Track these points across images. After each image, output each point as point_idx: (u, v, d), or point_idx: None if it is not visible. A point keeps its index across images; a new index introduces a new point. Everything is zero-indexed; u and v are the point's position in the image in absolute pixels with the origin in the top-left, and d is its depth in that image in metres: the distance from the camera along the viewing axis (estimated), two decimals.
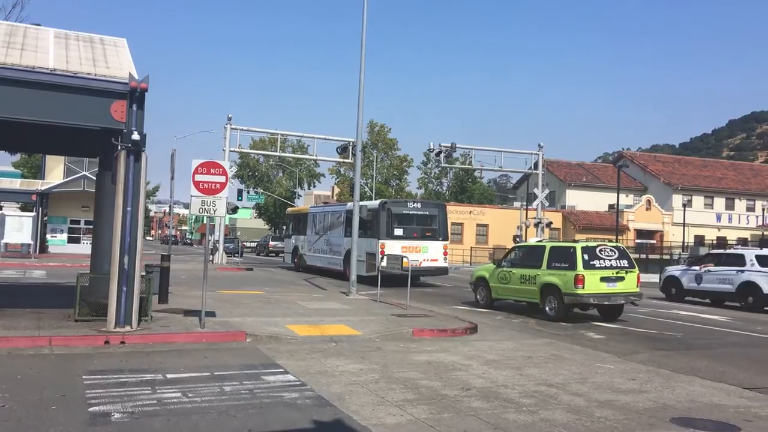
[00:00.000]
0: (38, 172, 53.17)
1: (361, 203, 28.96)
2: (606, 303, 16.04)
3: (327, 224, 30.51)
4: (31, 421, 6.27)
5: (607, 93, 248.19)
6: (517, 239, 39.49)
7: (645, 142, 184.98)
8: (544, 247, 17.09)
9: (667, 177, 60.86)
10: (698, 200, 60.05)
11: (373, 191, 62.43)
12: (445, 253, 26.23)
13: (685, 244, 48.73)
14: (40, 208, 40.44)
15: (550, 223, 43.43)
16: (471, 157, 41.75)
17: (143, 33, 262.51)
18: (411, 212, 26.73)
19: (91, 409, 6.73)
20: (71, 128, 11.39)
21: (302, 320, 13.53)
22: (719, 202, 61.43)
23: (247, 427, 6.39)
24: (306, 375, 8.74)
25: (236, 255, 43.91)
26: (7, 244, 35.60)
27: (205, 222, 13.51)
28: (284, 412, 6.97)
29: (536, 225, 40.39)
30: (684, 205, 50.98)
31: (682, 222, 50.29)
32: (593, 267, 15.60)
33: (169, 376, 8.45)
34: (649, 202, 57.86)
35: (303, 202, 75.70)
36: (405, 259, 17.44)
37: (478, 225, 52.99)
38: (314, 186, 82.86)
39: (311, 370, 9.05)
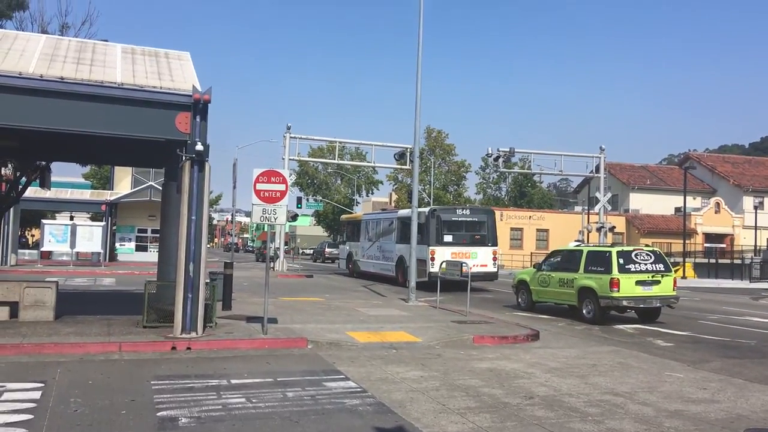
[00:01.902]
0: (107, 183, 55.21)
1: (404, 211, 29.95)
2: (641, 306, 16.30)
3: (379, 231, 31.22)
4: (102, 425, 6.47)
5: (672, 93, 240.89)
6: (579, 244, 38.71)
7: (712, 143, 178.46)
8: (581, 251, 17.54)
9: (736, 178, 58.64)
10: None
11: (431, 197, 62.28)
12: (495, 259, 26.49)
13: (757, 247, 46.81)
14: (109, 218, 41.93)
15: (613, 227, 42.39)
16: (530, 162, 41.36)
17: (205, 45, 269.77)
18: (460, 219, 26.99)
19: (159, 414, 6.91)
20: (138, 140, 11.78)
21: (362, 327, 13.57)
22: None
23: None
24: (367, 382, 8.75)
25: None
26: (78, 252, 36.98)
27: (266, 230, 13.73)
28: (346, 418, 6.99)
29: (598, 230, 39.49)
30: (755, 208, 48.99)
31: (753, 225, 48.33)
32: (628, 271, 15.94)
33: (233, 381, 8.60)
34: (718, 204, 55.85)
35: (361, 209, 76.13)
36: (464, 266, 17.40)
37: (538, 230, 52.24)
38: (372, 193, 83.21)
39: (372, 377, 9.07)
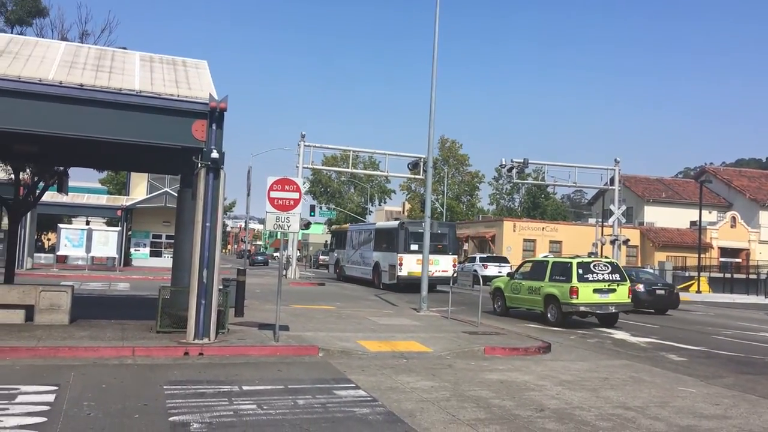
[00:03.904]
0: (123, 189, 55.67)
1: (383, 224, 36.69)
2: (598, 312, 18.02)
3: (361, 240, 35.70)
4: (114, 429, 6.54)
5: (689, 106, 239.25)
6: (593, 257, 38.52)
7: (729, 156, 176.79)
8: (547, 262, 19.33)
9: (753, 193, 58.10)
10: None
11: (444, 207, 62.26)
12: (455, 265, 30.49)
13: None
14: (125, 223, 42.27)
15: (627, 240, 42.15)
16: (544, 173, 41.23)
17: (221, 53, 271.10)
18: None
19: (171, 419, 6.96)
20: (154, 147, 11.90)
21: (373, 336, 13.59)
22: None
23: None
24: (377, 390, 8.77)
25: (265, 265, 52.30)
26: (93, 257, 37.30)
27: (279, 237, 13.83)
28: (356, 427, 7.01)
29: (612, 242, 39.33)
30: None
31: None
32: (587, 280, 17.72)
33: (245, 387, 8.65)
34: (734, 219, 55.37)
35: (374, 218, 76.21)
36: (475, 275, 18.05)
37: (551, 242, 51.99)
38: (385, 202, 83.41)
39: (382, 386, 9.08)
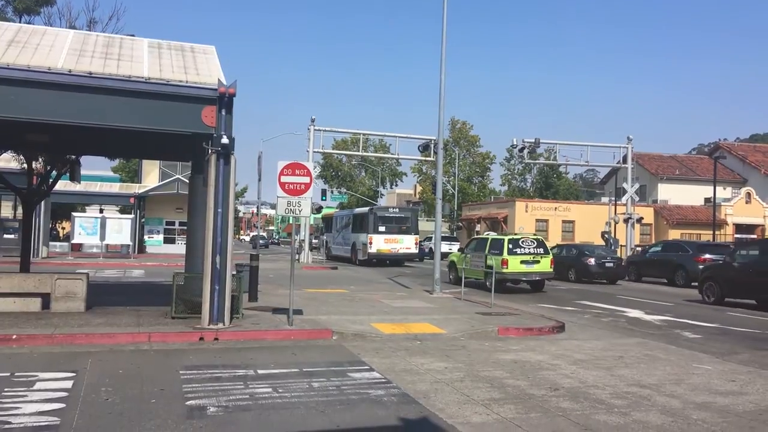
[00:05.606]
0: (135, 176, 55.92)
1: (359, 209, 41.85)
2: (524, 279, 21.81)
3: (343, 224, 41.05)
4: (132, 413, 6.60)
5: (702, 81, 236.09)
6: (606, 236, 38.35)
7: (743, 132, 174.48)
8: (487, 239, 23.15)
9: None
10: None
11: (456, 189, 62.12)
12: (416, 243, 36.42)
13: None
14: (138, 211, 42.50)
15: (641, 218, 41.89)
16: (555, 152, 40.96)
17: (229, 39, 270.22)
18: (391, 215, 36.95)
19: (188, 403, 7.03)
20: (165, 134, 11.92)
21: (387, 318, 13.63)
22: None
23: (335, 422, 6.51)
24: (391, 372, 8.80)
25: (266, 247, 55.85)
26: (108, 245, 37.55)
27: (291, 222, 13.84)
28: (371, 408, 7.05)
29: (626, 221, 39.12)
30: None
31: None
32: (515, 253, 21.35)
33: (260, 371, 8.71)
34: (748, 194, 54.79)
35: (386, 201, 76.20)
36: (489, 260, 18.76)
37: (563, 221, 51.73)
38: (396, 185, 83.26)
39: (396, 368, 9.11)
